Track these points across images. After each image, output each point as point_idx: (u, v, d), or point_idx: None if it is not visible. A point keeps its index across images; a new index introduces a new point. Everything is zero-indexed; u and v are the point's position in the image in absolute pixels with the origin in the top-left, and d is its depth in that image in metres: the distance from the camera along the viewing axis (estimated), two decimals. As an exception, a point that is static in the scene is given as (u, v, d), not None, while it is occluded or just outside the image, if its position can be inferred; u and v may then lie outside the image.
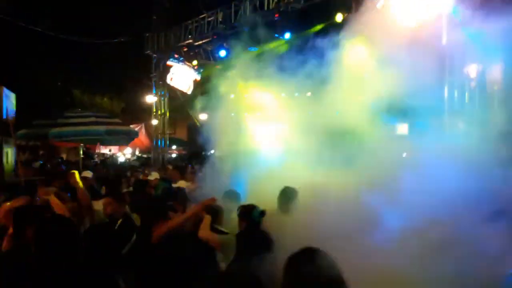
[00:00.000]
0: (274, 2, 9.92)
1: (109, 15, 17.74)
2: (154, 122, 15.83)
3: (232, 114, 6.78)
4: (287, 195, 4.32)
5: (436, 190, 3.47)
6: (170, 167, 11.40)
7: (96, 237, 2.89)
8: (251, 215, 3.84)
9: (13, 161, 9.53)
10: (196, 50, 13.04)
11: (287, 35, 10.31)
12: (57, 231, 2.26)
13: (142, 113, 23.52)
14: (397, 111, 5.60)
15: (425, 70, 4.49)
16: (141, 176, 9.75)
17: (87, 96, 22.77)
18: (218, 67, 13.03)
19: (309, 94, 6.21)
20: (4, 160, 9.17)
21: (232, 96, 6.94)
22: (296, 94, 6.36)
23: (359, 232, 3.23)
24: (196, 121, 18.34)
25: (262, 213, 3.85)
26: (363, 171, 4.33)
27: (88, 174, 7.27)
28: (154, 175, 9.84)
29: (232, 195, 5.08)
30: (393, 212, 3.54)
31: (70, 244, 2.24)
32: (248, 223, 3.80)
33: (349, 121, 5.05)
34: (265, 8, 10.09)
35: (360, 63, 5.27)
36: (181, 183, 8.03)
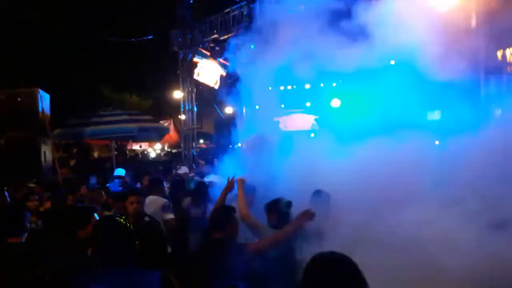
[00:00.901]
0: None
1: (134, 14, 18.06)
2: (182, 117, 16.08)
3: (258, 107, 6.79)
4: (319, 198, 4.24)
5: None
6: (201, 161, 11.62)
7: (146, 234, 2.97)
8: (278, 207, 3.95)
9: (50, 160, 9.88)
10: (222, 45, 13.11)
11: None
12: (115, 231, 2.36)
13: (170, 109, 23.95)
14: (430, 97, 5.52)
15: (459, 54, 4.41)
16: (173, 171, 9.93)
17: (116, 94, 23.29)
18: (244, 60, 13.12)
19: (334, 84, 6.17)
20: (42, 159, 9.51)
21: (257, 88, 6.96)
22: (321, 84, 6.31)
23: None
24: (222, 114, 18.56)
25: (289, 203, 3.94)
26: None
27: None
28: (183, 169, 10.07)
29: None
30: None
31: (126, 243, 2.34)
32: (278, 215, 3.93)
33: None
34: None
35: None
36: (213, 178, 8.14)
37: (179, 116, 19.47)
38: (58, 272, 2.57)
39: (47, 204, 6.17)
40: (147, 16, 16.74)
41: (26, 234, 3.63)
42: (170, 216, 5.50)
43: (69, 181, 7.90)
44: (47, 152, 9.36)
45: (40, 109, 9.27)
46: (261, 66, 6.53)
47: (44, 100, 9.60)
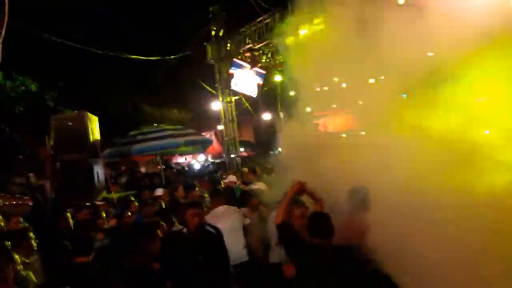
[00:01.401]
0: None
1: (168, 31, 18.56)
2: (221, 127, 16.33)
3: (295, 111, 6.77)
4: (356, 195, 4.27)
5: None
6: (245, 169, 11.71)
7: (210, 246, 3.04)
8: None
9: (103, 180, 10.28)
10: (258, 53, 13.25)
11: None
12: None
13: (210, 120, 24.37)
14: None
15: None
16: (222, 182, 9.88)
17: (156, 111, 23.97)
18: (279, 67, 13.21)
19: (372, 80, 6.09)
20: (96, 179, 9.89)
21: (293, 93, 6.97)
22: (371, 80, 6.17)
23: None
24: (261, 122, 18.70)
25: None
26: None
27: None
28: (230, 178, 10.09)
29: None
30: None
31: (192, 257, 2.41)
32: None
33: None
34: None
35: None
36: (260, 185, 8.17)
37: (218, 127, 19.78)
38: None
39: (112, 222, 6.42)
40: (182, 31, 17.15)
41: (93, 253, 3.83)
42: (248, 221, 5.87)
43: (123, 198, 8.17)
44: (99, 172, 9.73)
45: (90, 132, 9.64)
46: (298, 70, 6.57)
47: (93, 123, 10.00)
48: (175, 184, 9.63)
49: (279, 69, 13.06)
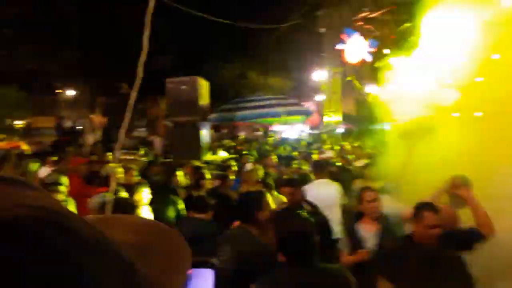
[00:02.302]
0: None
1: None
2: (321, 98, 16.03)
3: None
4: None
5: None
6: (346, 144, 11.40)
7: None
8: None
9: (208, 142, 10.78)
10: (372, 23, 12.56)
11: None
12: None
13: (311, 91, 24.13)
14: None
15: None
16: (317, 156, 9.75)
17: (261, 78, 24.32)
18: (394, 37, 12.38)
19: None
20: (202, 141, 10.40)
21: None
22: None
23: None
24: (364, 94, 17.97)
25: None
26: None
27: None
28: (327, 153, 9.87)
29: None
30: None
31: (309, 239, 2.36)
32: None
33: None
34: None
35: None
36: (362, 163, 7.85)
37: (317, 97, 19.43)
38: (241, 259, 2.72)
39: (217, 182, 6.67)
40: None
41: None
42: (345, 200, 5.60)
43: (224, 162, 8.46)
44: (205, 134, 10.18)
45: (200, 96, 10.05)
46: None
47: (203, 88, 10.40)
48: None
49: (394, 39, 12.23)
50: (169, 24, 17.27)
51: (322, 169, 6.06)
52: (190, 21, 14.14)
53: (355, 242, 3.59)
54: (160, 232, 0.59)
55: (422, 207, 3.05)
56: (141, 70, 1.50)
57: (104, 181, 6.05)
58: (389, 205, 3.99)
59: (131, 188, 5.20)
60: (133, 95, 1.50)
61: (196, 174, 6.46)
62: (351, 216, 4.11)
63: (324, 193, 5.41)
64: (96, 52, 15.05)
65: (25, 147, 12.57)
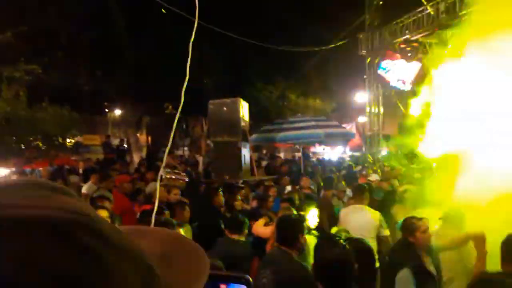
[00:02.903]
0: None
1: (322, 21, 18.56)
2: (363, 119, 15.83)
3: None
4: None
5: None
6: (388, 167, 11.18)
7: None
8: None
9: (248, 163, 10.88)
10: (414, 45, 12.39)
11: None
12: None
13: (352, 112, 23.90)
14: None
15: None
16: (359, 179, 9.54)
17: (301, 99, 24.41)
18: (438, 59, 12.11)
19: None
20: (242, 161, 10.51)
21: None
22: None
23: None
24: (407, 117, 17.59)
25: None
26: None
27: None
28: (373, 176, 9.63)
29: None
30: None
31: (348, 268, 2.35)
32: None
33: None
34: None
35: None
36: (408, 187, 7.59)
37: (360, 119, 19.17)
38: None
39: (254, 203, 6.75)
40: (335, 21, 17.00)
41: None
42: (386, 233, 5.20)
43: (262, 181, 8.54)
44: (246, 155, 10.30)
45: (241, 117, 10.22)
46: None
47: (244, 109, 10.59)
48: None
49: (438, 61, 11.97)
50: (213, 47, 17.86)
51: (361, 193, 5.74)
52: (234, 43, 14.57)
53: (426, 278, 3.31)
54: (182, 243, 0.64)
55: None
56: (183, 95, 1.63)
57: (148, 198, 6.28)
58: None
59: (173, 207, 5.38)
60: (176, 117, 1.63)
61: (229, 195, 6.56)
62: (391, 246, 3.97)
63: (357, 220, 5.18)
64: (147, 76, 15.83)
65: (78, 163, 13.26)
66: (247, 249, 3.91)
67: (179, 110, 1.69)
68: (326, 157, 22.01)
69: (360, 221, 5.16)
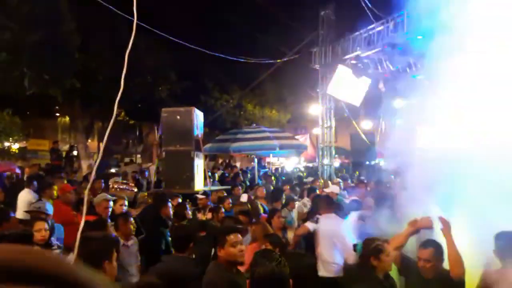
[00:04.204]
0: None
1: (277, 33, 18.88)
2: (318, 131, 16.13)
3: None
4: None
5: None
6: (335, 179, 11.42)
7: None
8: None
9: (201, 173, 10.77)
10: (365, 61, 12.82)
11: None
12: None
13: (307, 123, 24.40)
14: None
15: None
16: (318, 190, 9.44)
17: (257, 109, 24.61)
18: (387, 75, 12.63)
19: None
20: (195, 171, 10.38)
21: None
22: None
23: None
24: (359, 130, 18.16)
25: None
26: None
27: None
28: (331, 188, 9.40)
29: None
30: None
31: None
32: None
33: None
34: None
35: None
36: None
37: (314, 131, 19.60)
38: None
39: (209, 215, 6.62)
40: (290, 35, 17.32)
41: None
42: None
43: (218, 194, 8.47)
44: (199, 165, 10.19)
45: (195, 126, 10.13)
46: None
47: (198, 118, 10.50)
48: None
49: (386, 77, 12.47)
50: (169, 56, 17.65)
51: (330, 205, 5.81)
52: (190, 52, 14.47)
53: None
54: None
55: None
56: (116, 108, 1.56)
57: (92, 209, 6.00)
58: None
59: (117, 219, 5.16)
60: (108, 130, 1.55)
61: (179, 206, 6.40)
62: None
63: (327, 225, 5.41)
64: (96, 81, 15.32)
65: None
66: (191, 267, 3.72)
67: (111, 122, 1.61)
68: (280, 168, 22.27)
69: (339, 229, 5.32)
